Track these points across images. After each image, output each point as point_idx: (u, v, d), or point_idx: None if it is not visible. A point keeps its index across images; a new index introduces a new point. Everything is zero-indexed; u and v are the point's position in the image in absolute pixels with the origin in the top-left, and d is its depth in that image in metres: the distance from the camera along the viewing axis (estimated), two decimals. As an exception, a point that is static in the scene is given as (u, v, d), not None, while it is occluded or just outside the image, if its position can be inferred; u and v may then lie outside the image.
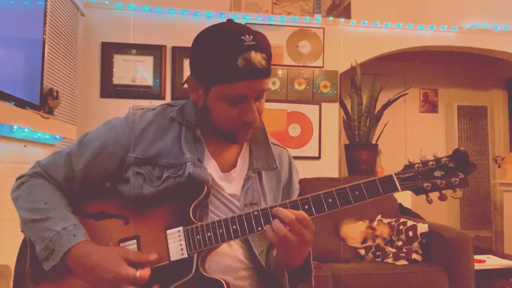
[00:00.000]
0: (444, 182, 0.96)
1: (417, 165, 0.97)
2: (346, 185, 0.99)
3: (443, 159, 0.96)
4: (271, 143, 1.20)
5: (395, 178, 0.97)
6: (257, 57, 0.96)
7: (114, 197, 1.09)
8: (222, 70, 0.97)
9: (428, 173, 0.97)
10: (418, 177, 0.97)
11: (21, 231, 1.10)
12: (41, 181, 1.09)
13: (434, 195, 0.99)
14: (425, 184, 0.97)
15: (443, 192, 0.97)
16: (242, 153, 1.16)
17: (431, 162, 0.97)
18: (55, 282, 1.02)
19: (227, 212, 1.09)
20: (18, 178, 1.12)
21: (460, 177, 0.95)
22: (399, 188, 0.97)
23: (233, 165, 1.14)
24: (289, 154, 1.26)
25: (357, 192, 0.98)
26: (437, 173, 0.97)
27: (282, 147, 1.25)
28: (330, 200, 0.98)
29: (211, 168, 1.10)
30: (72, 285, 1.01)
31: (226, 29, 1.00)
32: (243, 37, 0.96)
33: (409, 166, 0.98)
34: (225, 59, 0.96)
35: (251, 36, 0.97)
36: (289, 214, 0.96)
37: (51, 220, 1.02)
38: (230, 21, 1.04)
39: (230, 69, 0.96)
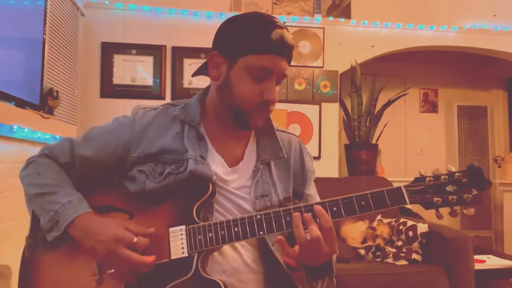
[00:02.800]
0: (455, 197, 0.92)
1: (429, 178, 0.94)
2: (353, 195, 0.96)
3: (457, 174, 0.93)
4: (280, 130, 1.20)
5: (404, 191, 0.94)
6: (289, 35, 1.04)
7: (120, 192, 1.10)
8: (257, 39, 1.02)
9: (439, 187, 0.93)
10: (428, 190, 0.94)
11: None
12: (48, 160, 1.12)
13: (444, 211, 0.95)
14: (435, 199, 0.93)
15: (454, 208, 0.93)
16: (249, 145, 1.16)
17: (443, 176, 0.93)
18: (54, 254, 1.04)
19: (233, 211, 1.09)
20: (27, 160, 1.15)
21: (473, 193, 0.92)
22: (407, 201, 0.94)
23: (241, 159, 1.14)
24: (299, 140, 1.25)
25: (363, 203, 0.96)
26: (449, 188, 0.93)
27: (292, 134, 1.24)
28: (335, 209, 0.97)
29: (218, 164, 1.10)
30: (72, 257, 1.03)
31: (258, 13, 1.09)
32: (275, 19, 1.05)
33: (420, 179, 0.95)
34: (260, 29, 1.02)
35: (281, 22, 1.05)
36: (330, 220, 0.94)
37: (57, 194, 1.04)
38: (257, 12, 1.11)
39: (264, 39, 1.01)
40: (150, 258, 0.98)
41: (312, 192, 1.22)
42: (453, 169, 0.94)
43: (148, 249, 1.01)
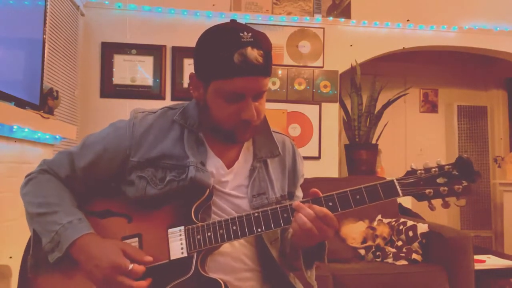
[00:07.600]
0: (446, 189, 0.95)
1: (420, 171, 0.97)
2: (347, 189, 0.98)
3: (446, 167, 0.96)
4: (274, 131, 1.21)
5: (396, 183, 0.97)
6: (253, 53, 0.97)
7: (118, 197, 1.10)
8: (219, 65, 0.99)
9: (430, 179, 0.96)
10: (420, 183, 0.97)
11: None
12: (48, 177, 1.11)
13: (437, 203, 0.98)
14: (427, 191, 0.96)
15: (446, 199, 0.96)
16: (245, 144, 1.17)
17: (434, 169, 0.96)
18: (57, 274, 1.04)
19: (231, 212, 1.10)
20: (26, 176, 1.14)
21: (463, 185, 0.95)
22: (400, 193, 0.96)
23: (237, 158, 1.15)
24: (291, 141, 1.27)
25: (357, 196, 0.98)
26: (440, 180, 0.96)
27: (284, 134, 1.26)
28: (330, 204, 0.98)
29: (217, 167, 1.11)
30: (73, 278, 1.02)
31: (227, 27, 1.03)
32: (241, 34, 0.98)
33: (411, 172, 0.98)
34: (222, 54, 0.98)
35: (250, 34, 0.99)
36: (310, 212, 0.96)
37: (57, 214, 1.04)
38: (233, 21, 1.06)
39: (226, 64, 0.98)
40: (143, 283, 0.98)
41: (300, 194, 1.24)
42: (443, 163, 0.97)
43: (147, 251, 1.02)
